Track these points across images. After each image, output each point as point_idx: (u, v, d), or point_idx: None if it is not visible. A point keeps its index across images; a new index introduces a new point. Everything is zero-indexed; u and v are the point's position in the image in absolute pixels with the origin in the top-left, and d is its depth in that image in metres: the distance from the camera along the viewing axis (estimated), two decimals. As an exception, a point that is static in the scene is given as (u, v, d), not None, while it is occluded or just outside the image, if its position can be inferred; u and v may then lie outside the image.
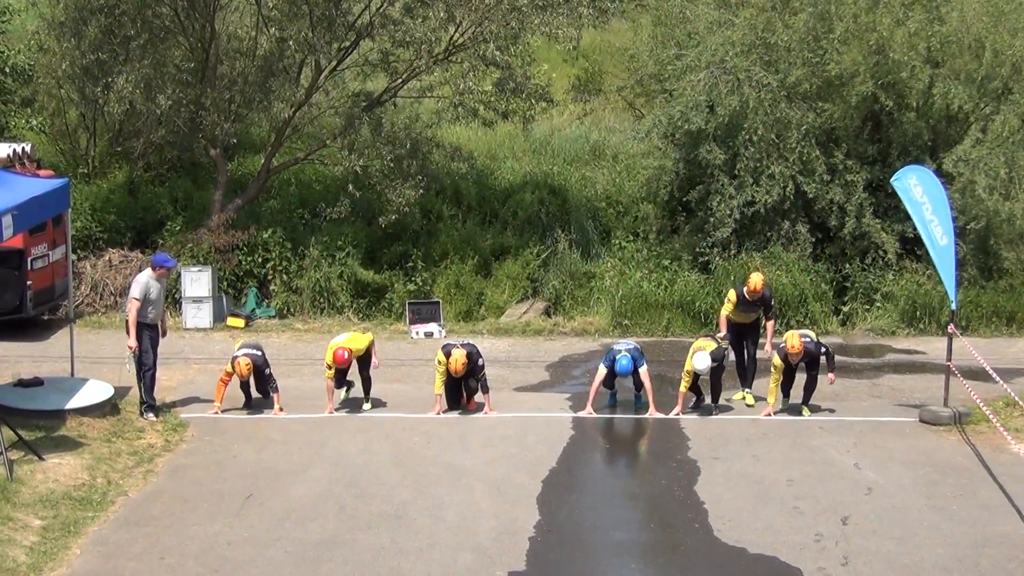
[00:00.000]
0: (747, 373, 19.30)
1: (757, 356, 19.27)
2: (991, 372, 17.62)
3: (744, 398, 19.13)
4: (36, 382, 17.88)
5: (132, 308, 17.46)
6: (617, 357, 18.01)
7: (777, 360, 17.76)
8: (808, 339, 17.97)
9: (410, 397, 18.80)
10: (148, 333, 17.55)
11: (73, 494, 14.75)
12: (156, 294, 17.59)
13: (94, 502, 14.69)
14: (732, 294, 18.85)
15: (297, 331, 23.38)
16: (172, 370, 19.72)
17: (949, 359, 18.15)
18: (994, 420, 16.70)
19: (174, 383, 19.23)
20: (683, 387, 18.21)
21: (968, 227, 23.49)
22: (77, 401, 17.23)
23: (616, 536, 14.12)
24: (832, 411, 18.31)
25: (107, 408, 17.30)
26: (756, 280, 18.56)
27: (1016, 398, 17.30)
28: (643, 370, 18.19)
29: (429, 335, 22.85)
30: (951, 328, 18.35)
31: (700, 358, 17.81)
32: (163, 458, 16.40)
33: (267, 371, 18.03)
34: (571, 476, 15.97)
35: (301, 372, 20.31)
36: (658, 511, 14.88)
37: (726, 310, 18.86)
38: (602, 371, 18.18)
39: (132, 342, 17.42)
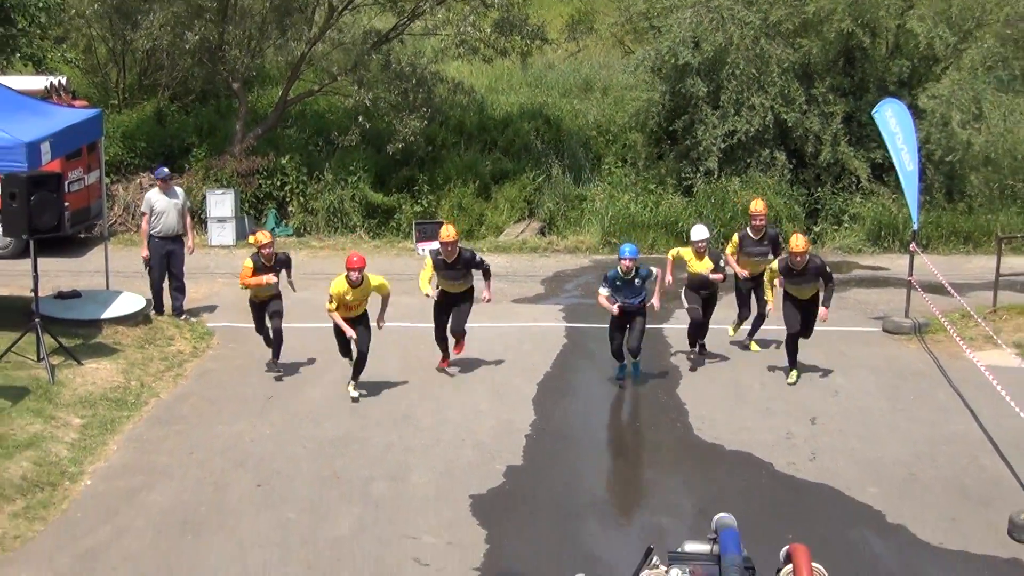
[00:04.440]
0: (748, 317, 17.20)
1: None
2: (949, 287, 17.70)
3: (735, 332, 17.38)
4: (74, 294, 17.93)
5: (142, 221, 18.06)
6: (621, 248, 15.40)
7: (775, 265, 15.53)
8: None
9: (416, 309, 18.81)
10: (161, 244, 17.64)
11: (109, 395, 14.85)
12: (160, 206, 17.73)
13: (129, 403, 14.79)
14: (735, 237, 16.85)
15: (313, 248, 23.40)
16: (199, 283, 19.76)
17: (911, 275, 18.22)
18: (951, 330, 16.78)
19: (200, 295, 19.27)
20: (671, 254, 16.55)
21: (948, 159, 23.68)
22: (112, 311, 17.28)
23: (604, 435, 14.27)
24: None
25: (140, 318, 17.35)
26: (758, 204, 16.76)
27: (971, 310, 17.40)
28: (651, 280, 15.42)
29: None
30: (913, 246, 18.43)
31: (698, 229, 16.22)
32: (191, 363, 16.49)
33: (287, 259, 16.16)
34: (564, 381, 16.08)
35: (317, 285, 20.24)
36: (642, 412, 15.01)
37: (731, 250, 16.73)
38: (603, 292, 15.47)
39: (144, 252, 17.79)
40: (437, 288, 15.74)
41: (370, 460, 13.31)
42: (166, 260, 17.68)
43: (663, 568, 9.68)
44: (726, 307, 17.44)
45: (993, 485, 12.79)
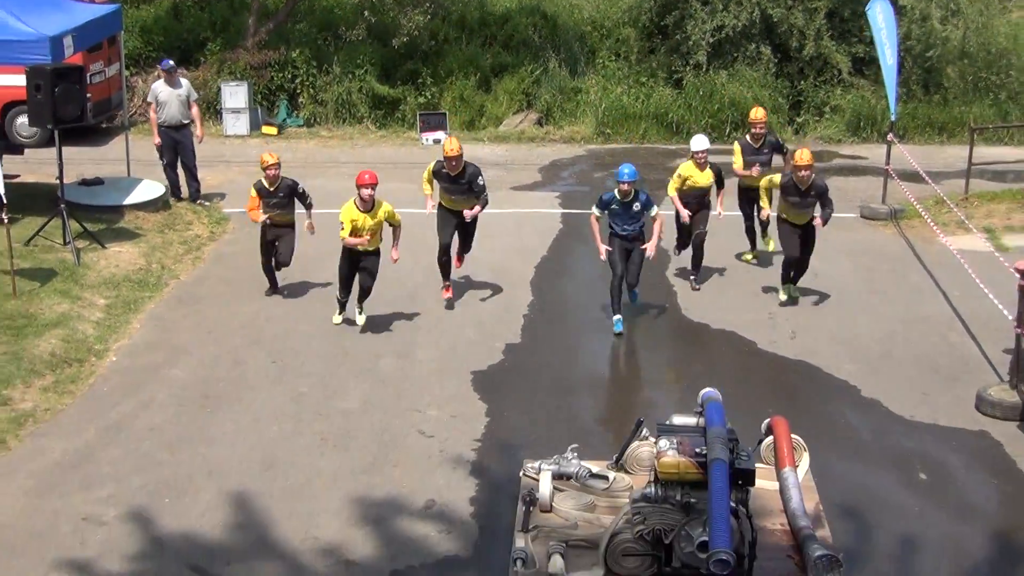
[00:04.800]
0: (755, 236, 16.02)
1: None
2: (923, 175, 17.58)
3: (754, 257, 16.06)
4: (97, 181, 17.83)
5: (150, 111, 17.99)
6: (619, 169, 13.46)
7: (777, 179, 14.02)
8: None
9: (420, 196, 18.68)
10: (167, 133, 17.46)
11: (132, 277, 14.81)
12: (163, 97, 17.55)
13: (150, 284, 14.76)
14: (736, 145, 15.66)
15: (323, 138, 23.20)
16: (215, 171, 19.60)
17: (888, 163, 18.09)
18: (925, 216, 16.69)
19: (216, 183, 19.11)
20: (672, 189, 14.91)
21: (928, 55, 23.39)
22: (133, 198, 17.21)
23: (597, 314, 14.21)
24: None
25: (159, 204, 17.27)
26: (757, 112, 15.60)
27: (944, 197, 17.30)
28: (654, 213, 13.45)
29: (437, 142, 22.66)
30: (890, 136, 18.31)
31: (698, 139, 14.89)
32: (209, 247, 16.44)
33: (301, 187, 14.39)
34: (559, 263, 16.04)
35: (327, 173, 20.19)
36: (634, 293, 14.98)
37: (737, 163, 15.47)
38: (597, 214, 13.63)
39: (155, 140, 17.68)
40: (439, 209, 14.23)
41: (378, 338, 13.31)
42: (175, 149, 17.53)
43: (652, 439, 9.72)
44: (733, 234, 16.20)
45: (962, 362, 12.80)
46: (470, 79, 24.42)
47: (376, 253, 13.32)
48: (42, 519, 9.71)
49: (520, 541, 9.15)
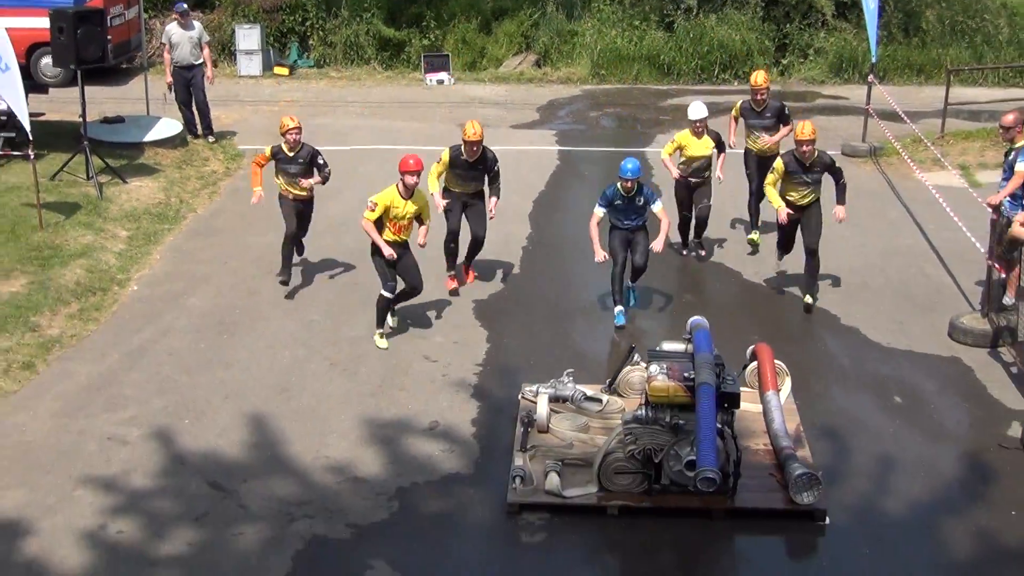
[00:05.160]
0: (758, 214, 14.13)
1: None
2: (902, 114, 17.41)
3: (756, 240, 14.14)
4: (118, 119, 17.66)
5: (164, 52, 17.61)
6: (622, 164, 11.76)
7: (779, 163, 12.14)
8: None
9: (425, 134, 18.56)
10: (179, 73, 17.24)
11: (152, 210, 14.72)
12: (176, 38, 17.24)
13: (169, 217, 14.68)
14: (737, 105, 14.23)
15: (332, 78, 22.95)
16: (230, 110, 19.40)
17: (868, 103, 17.90)
18: (903, 153, 16.56)
19: (231, 121, 18.92)
20: (665, 153, 13.49)
21: None
22: (152, 135, 17.07)
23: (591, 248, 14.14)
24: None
25: (177, 141, 17.12)
26: (758, 77, 13.81)
27: (921, 135, 17.16)
28: (658, 208, 11.90)
29: (440, 82, 22.47)
30: (871, 78, 18.14)
31: (696, 106, 13.27)
32: (224, 182, 16.31)
33: (321, 158, 12.59)
34: (556, 198, 15.93)
35: (335, 112, 20.01)
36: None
37: (734, 113, 14.18)
38: (598, 211, 11.91)
39: (167, 79, 17.38)
40: (444, 192, 12.56)
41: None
42: (187, 88, 17.32)
43: (643, 365, 9.70)
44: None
45: (936, 292, 12.75)
46: (472, 22, 24.12)
47: (407, 246, 11.54)
48: (69, 438, 9.72)
49: (519, 460, 9.17)
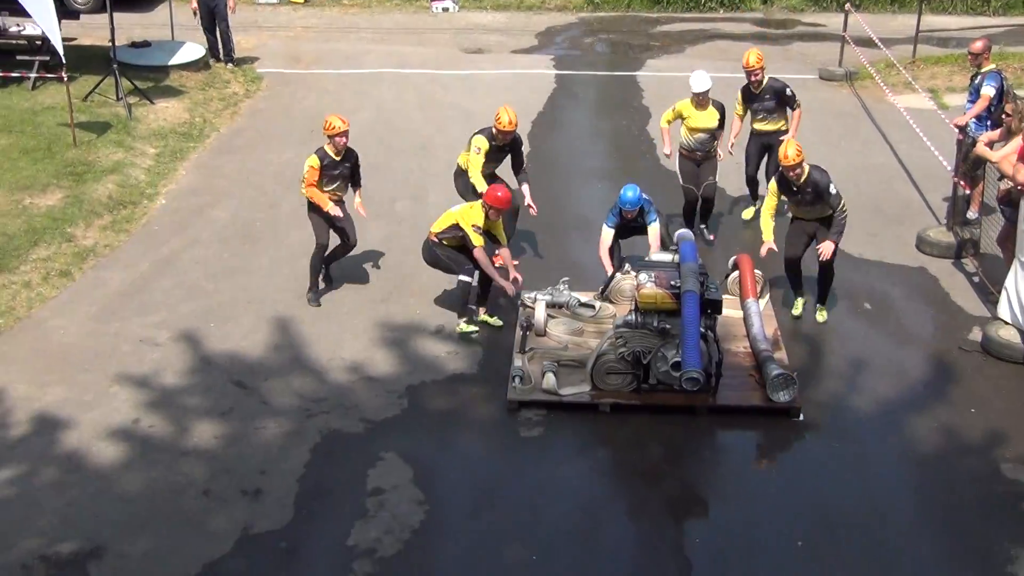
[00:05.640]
0: (756, 187, 12.39)
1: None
2: (876, 41, 17.13)
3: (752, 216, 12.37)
4: (145, 44, 17.36)
5: None
6: (621, 194, 10.15)
7: (773, 184, 10.14)
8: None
9: (429, 57, 18.29)
10: (205, 1, 16.85)
11: (178, 129, 14.54)
12: None
13: (194, 135, 14.51)
14: (739, 93, 12.14)
15: (344, 6, 22.44)
16: (248, 36, 19.05)
17: (844, 30, 17.59)
18: (876, 77, 16.31)
19: (251, 46, 18.58)
20: (664, 121, 11.85)
21: None
22: (178, 58, 16.78)
23: (587, 163, 14.02)
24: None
25: (200, 64, 16.84)
26: (749, 57, 11.78)
27: (894, 61, 16.90)
28: (653, 227, 10.30)
29: (445, 10, 22.05)
30: (848, 6, 17.83)
31: (698, 77, 11.45)
32: (245, 103, 16.08)
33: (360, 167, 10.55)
34: (553, 118, 15.72)
35: (348, 38, 19.68)
36: (618, 145, 14.72)
37: (737, 111, 12.12)
38: (607, 233, 10.33)
39: (192, 4, 16.91)
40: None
41: (395, 184, 13.12)
42: (211, 15, 16.98)
43: (633, 274, 9.65)
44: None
45: (905, 207, 12.64)
46: (474, -48, 23.61)
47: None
48: (105, 340, 9.71)
49: (518, 361, 9.17)
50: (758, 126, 12.02)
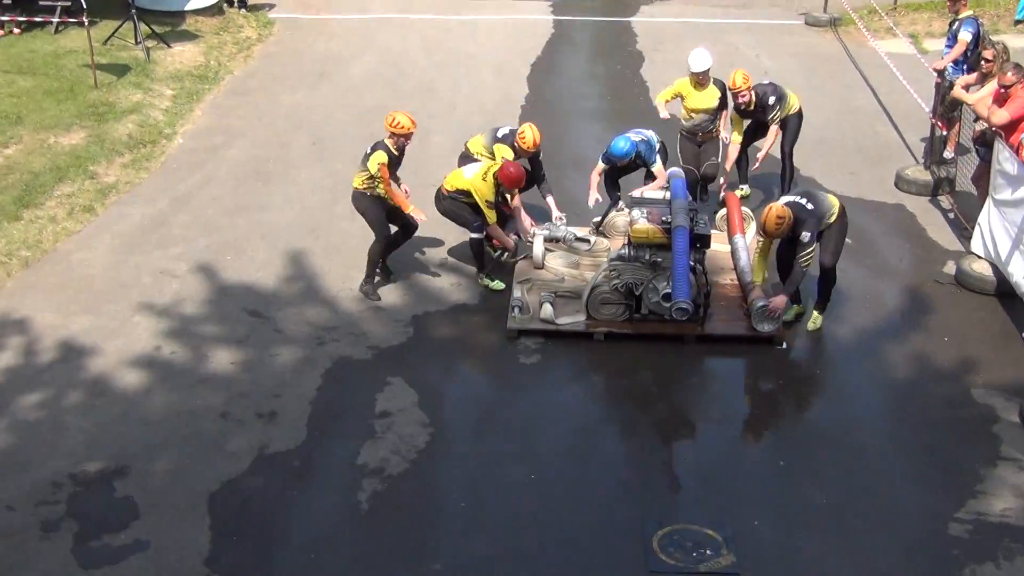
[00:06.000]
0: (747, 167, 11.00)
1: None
2: (860, -14, 16.87)
3: (746, 194, 10.99)
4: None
5: None
6: (612, 145, 9.83)
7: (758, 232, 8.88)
8: (795, 199, 8.54)
9: (433, 3, 17.97)
10: None
11: (193, 72, 14.33)
12: None
13: (209, 78, 14.29)
14: (734, 113, 10.54)
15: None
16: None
17: (829, -24, 17.32)
18: (859, 23, 16.06)
19: (263, -8, 18.34)
20: (661, 97, 10.74)
21: None
22: (193, 3, 16.45)
23: (583, 105, 13.83)
24: (742, 15, 17.53)
25: (214, 10, 16.55)
26: (735, 79, 10.14)
27: (876, 7, 16.64)
28: (656, 168, 9.92)
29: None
30: (833, -46, 17.49)
31: (698, 55, 10.22)
32: (257, 47, 15.84)
33: None
34: (551, 62, 15.48)
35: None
36: (612, 88, 14.51)
37: (735, 139, 10.61)
38: (601, 165, 10.02)
39: None
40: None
41: (400, 124, 12.93)
42: None
43: (627, 210, 9.54)
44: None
45: (885, 147, 12.49)
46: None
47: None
48: (127, 271, 9.63)
49: (517, 292, 9.11)
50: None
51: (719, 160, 10.65)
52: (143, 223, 10.50)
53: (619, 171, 10.14)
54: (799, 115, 10.61)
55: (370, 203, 9.17)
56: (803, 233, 8.32)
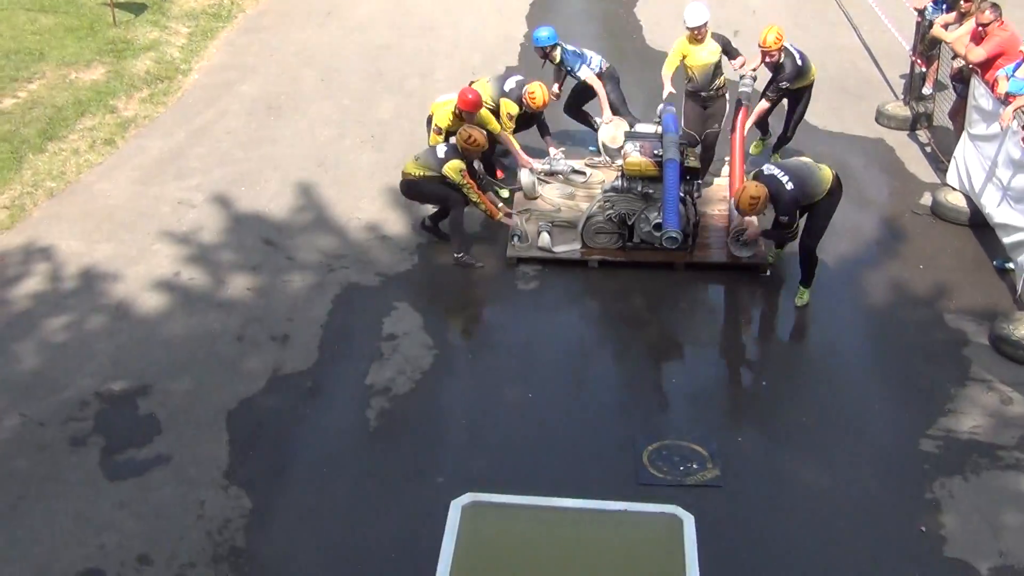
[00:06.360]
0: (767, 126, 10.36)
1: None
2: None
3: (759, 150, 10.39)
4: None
5: None
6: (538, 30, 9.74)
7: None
8: (776, 173, 7.75)
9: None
10: None
11: (208, 10, 14.01)
12: None
13: (223, 16, 13.98)
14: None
15: None
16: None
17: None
18: (844, -36, 15.68)
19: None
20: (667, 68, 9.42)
21: None
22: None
23: (580, 44, 13.52)
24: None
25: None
26: (768, 35, 9.15)
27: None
28: (582, 74, 9.81)
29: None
30: None
31: (694, 9, 9.08)
32: (269, -14, 15.51)
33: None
34: (549, 1, 15.15)
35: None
36: (607, 27, 14.20)
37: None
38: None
39: None
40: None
41: (405, 61, 12.69)
42: None
43: (613, 121, 9.43)
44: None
45: (866, 84, 12.25)
46: None
47: None
48: (146, 202, 9.52)
49: (516, 221, 9.00)
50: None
51: (720, 128, 9.48)
52: (161, 155, 10.35)
53: (580, 97, 10.08)
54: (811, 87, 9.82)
55: (425, 184, 8.52)
56: (780, 216, 7.72)
